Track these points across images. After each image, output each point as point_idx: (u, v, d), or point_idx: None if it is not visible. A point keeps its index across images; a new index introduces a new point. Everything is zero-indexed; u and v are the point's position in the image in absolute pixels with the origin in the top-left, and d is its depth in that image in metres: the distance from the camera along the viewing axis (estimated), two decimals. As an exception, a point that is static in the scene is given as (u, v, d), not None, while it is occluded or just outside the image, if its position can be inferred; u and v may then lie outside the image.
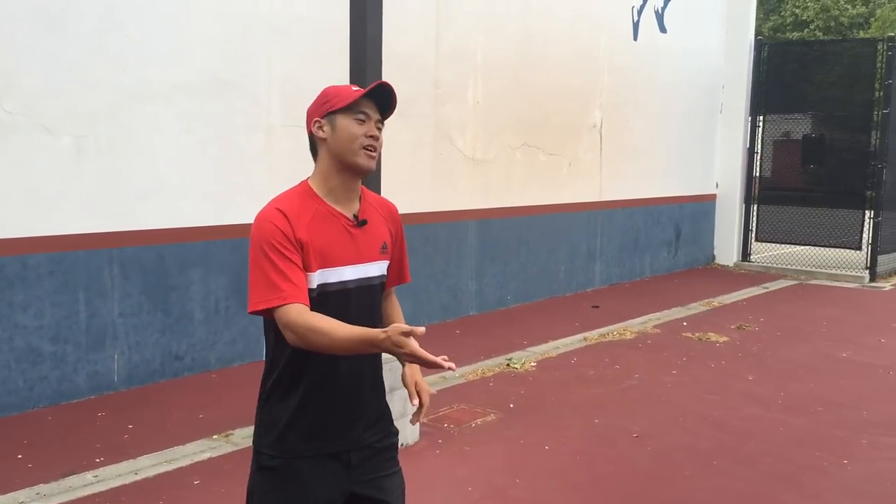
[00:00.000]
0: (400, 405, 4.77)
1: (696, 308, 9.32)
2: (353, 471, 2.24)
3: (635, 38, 10.57)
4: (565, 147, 9.55)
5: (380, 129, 2.21)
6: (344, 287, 2.19)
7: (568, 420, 5.35)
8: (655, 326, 8.25)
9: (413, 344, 1.90)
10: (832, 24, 34.27)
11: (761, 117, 12.58)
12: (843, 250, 12.04)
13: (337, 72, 6.83)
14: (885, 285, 11.40)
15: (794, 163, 12.95)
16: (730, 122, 12.60)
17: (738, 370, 6.66)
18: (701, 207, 12.43)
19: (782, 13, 36.05)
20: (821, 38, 32.88)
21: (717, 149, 12.69)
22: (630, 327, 8.14)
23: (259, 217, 2.14)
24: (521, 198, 8.98)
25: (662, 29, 11.06)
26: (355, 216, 2.24)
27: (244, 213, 6.40)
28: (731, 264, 12.70)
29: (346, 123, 2.16)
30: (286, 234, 2.09)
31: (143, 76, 5.73)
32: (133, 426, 5.11)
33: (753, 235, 12.72)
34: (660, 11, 10.98)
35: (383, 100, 2.20)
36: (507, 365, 6.62)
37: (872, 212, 11.73)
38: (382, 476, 2.30)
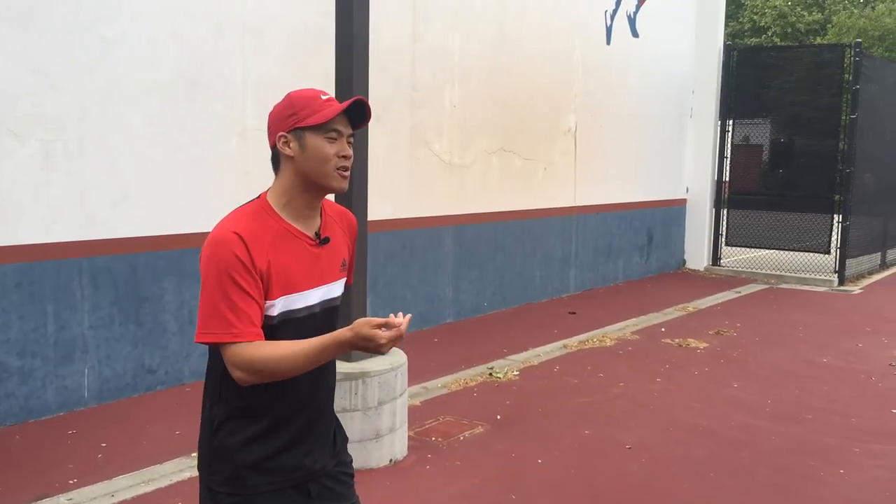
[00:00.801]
0: (389, 419, 4.62)
1: (672, 313, 9.28)
2: (312, 502, 2.09)
3: (608, 43, 10.53)
4: (540, 151, 9.46)
5: (351, 144, 2.04)
6: (311, 312, 2.03)
7: (557, 431, 5.23)
8: (634, 332, 8.19)
9: (383, 335, 1.81)
10: (789, 30, 34.84)
11: (731, 122, 12.63)
12: (811, 254, 12.14)
13: (312, 73, 6.69)
14: (854, 288, 11.50)
15: (754, 167, 13.05)
16: (700, 127, 12.64)
17: (722, 377, 6.61)
18: (672, 212, 12.44)
19: (740, 19, 36.56)
20: (778, 43, 33.40)
21: (687, 153, 12.72)
22: (609, 334, 8.07)
23: (214, 240, 1.94)
24: (497, 203, 8.87)
25: (635, 33, 11.04)
26: (317, 234, 2.07)
27: (219, 219, 6.18)
28: (701, 269, 12.73)
29: (316, 143, 1.98)
30: (244, 263, 1.90)
31: (113, 78, 5.49)
32: (107, 444, 4.88)
33: (723, 240, 12.77)
34: (632, 16, 10.96)
35: (356, 110, 2.02)
36: (490, 374, 6.48)
37: (841, 216, 11.84)
38: (343, 501, 2.17)
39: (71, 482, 4.32)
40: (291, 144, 2.00)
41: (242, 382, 1.91)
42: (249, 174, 6.37)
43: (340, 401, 4.50)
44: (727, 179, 12.83)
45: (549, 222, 9.71)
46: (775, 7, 34.92)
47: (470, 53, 8.32)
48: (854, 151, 11.65)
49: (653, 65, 11.52)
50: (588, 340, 7.76)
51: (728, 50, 12.68)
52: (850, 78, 11.66)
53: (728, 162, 12.74)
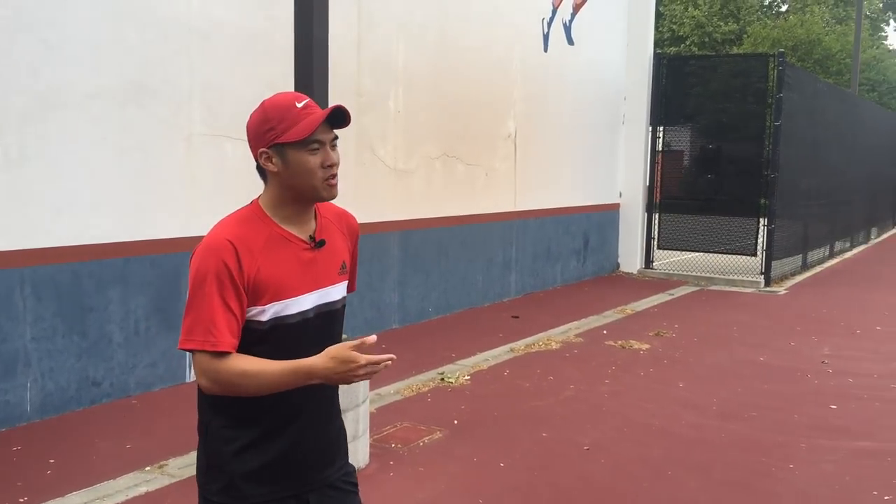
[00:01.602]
0: (352, 426, 4.58)
1: (611, 316, 9.46)
2: None
3: (545, 50, 10.69)
4: (482, 157, 9.53)
5: (335, 146, 2.00)
6: (304, 318, 2.00)
7: (516, 435, 5.28)
8: (577, 335, 8.32)
9: (362, 359, 1.80)
10: (707, 39, 35.94)
11: (661, 128, 12.96)
12: (739, 256, 12.54)
13: (259, 79, 6.61)
14: (780, 289, 11.93)
15: (676, 173, 13.47)
16: (632, 133, 12.93)
17: (667, 377, 6.77)
18: (606, 216, 12.69)
19: (660, 29, 37.53)
20: (696, 52, 34.42)
21: (620, 159, 12.99)
22: (553, 337, 8.17)
23: (206, 246, 1.92)
24: (441, 208, 8.90)
25: (570, 41, 11.24)
26: (312, 237, 2.03)
27: (164, 227, 6.05)
28: (635, 272, 13.01)
29: (299, 158, 1.93)
30: (231, 270, 1.88)
31: (56, 82, 5.31)
32: (55, 460, 4.70)
33: (655, 243, 13.08)
34: (567, 24, 11.15)
35: (335, 114, 1.97)
36: (442, 379, 6.49)
37: (766, 219, 12.27)
38: None
39: (21, 500, 4.16)
40: (274, 160, 1.95)
41: (206, 391, 1.90)
42: (196, 181, 6.24)
43: (303, 410, 4.45)
44: (659, 184, 13.15)
45: (490, 227, 9.79)
46: (693, 17, 35.96)
47: (413, 60, 8.33)
48: (778, 157, 12.09)
49: (587, 72, 11.74)
50: (534, 344, 7.85)
51: (658, 59, 13.02)
52: (774, 86, 12.10)
53: (659, 167, 13.06)
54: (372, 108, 7.88)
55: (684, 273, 12.74)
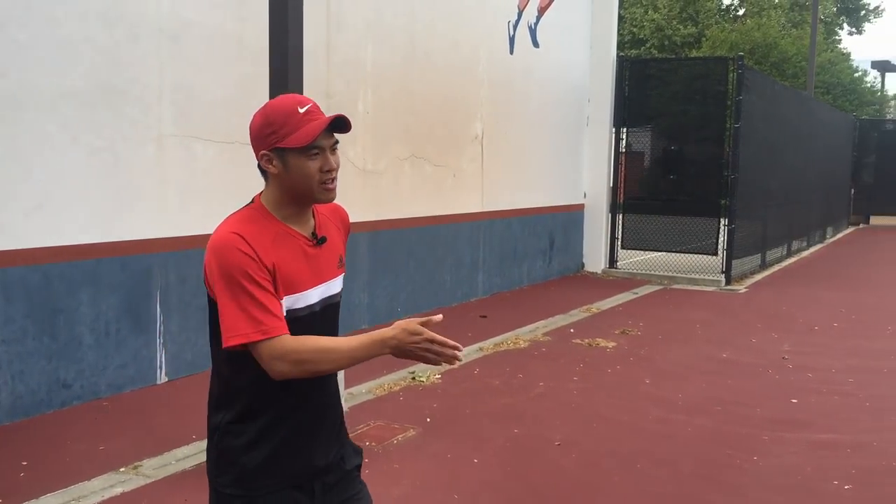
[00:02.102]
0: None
1: (577, 315, 9.61)
2: (316, 501, 2.12)
3: (511, 52, 10.81)
4: (450, 158, 9.61)
5: (335, 150, 2.06)
6: (312, 311, 2.06)
7: (488, 432, 5.36)
8: (545, 334, 8.44)
9: (428, 333, 1.85)
10: (666, 42, 36.46)
11: (625, 130, 13.16)
12: (700, 256, 12.78)
13: (229, 80, 6.62)
14: (740, 288, 12.18)
15: (637, 173, 13.72)
16: (595, 135, 13.11)
17: (634, 374, 6.91)
18: (571, 217, 12.85)
19: (621, 31, 37.94)
20: (656, 55, 34.91)
21: (584, 160, 13.17)
22: (521, 336, 8.28)
23: (218, 244, 1.95)
24: (410, 209, 8.96)
25: (535, 44, 11.38)
26: (314, 234, 2.10)
27: (134, 228, 6.04)
28: (599, 271, 13.19)
29: (299, 163, 1.99)
30: (254, 259, 1.93)
31: (25, 82, 5.28)
32: (27, 462, 4.68)
33: (619, 243, 13.28)
34: (532, 26, 11.28)
35: (336, 121, 2.03)
36: (413, 378, 6.56)
37: (726, 219, 12.52)
38: (346, 497, 2.19)
39: (-4, 504, 4.14)
40: (274, 162, 2.00)
41: (283, 376, 1.92)
42: (166, 182, 6.24)
43: (280, 409, 4.49)
44: (622, 185, 13.35)
45: (458, 228, 9.88)
46: (653, 20, 36.46)
47: (382, 63, 8.38)
48: (738, 158, 12.35)
49: (552, 74, 11.89)
50: (502, 343, 7.95)
51: (621, 61, 13.22)
52: (733, 89, 12.36)
53: (623, 169, 13.26)
54: (341, 110, 7.85)
55: (648, 272, 12.95)
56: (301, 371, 1.92)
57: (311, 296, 2.06)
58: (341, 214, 2.26)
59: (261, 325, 1.90)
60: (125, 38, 5.89)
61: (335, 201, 2.22)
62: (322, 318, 2.10)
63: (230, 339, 1.91)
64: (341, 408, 2.26)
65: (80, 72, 5.61)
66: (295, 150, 1.97)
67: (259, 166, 2.06)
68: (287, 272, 2.00)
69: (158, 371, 6.27)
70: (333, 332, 2.14)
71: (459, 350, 1.88)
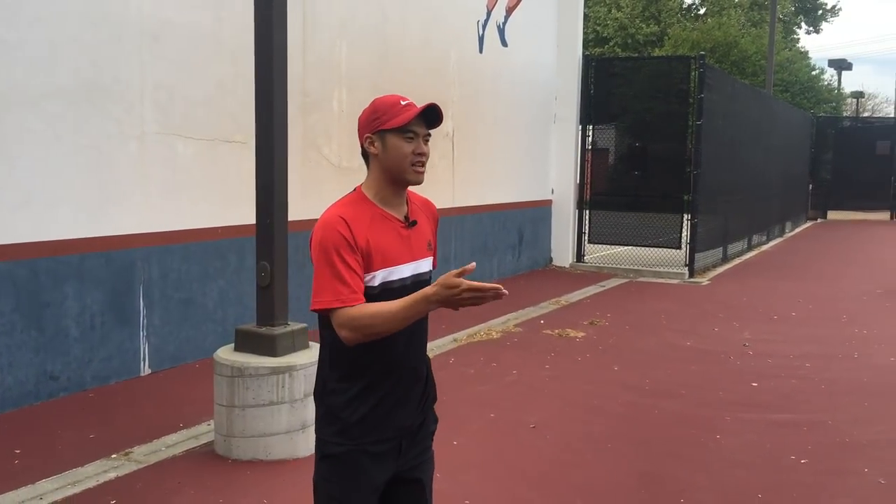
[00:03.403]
0: (314, 410, 4.82)
1: (547, 307, 9.88)
2: (402, 456, 2.41)
3: (481, 51, 11.06)
4: (422, 155, 9.82)
5: (427, 142, 2.37)
6: (403, 284, 2.35)
7: (466, 416, 5.60)
8: (517, 325, 8.69)
9: (466, 283, 2.09)
10: (629, 41, 36.99)
11: (591, 127, 13.48)
12: (664, 250, 13.14)
13: (208, 79, 6.78)
14: (703, 280, 12.56)
15: (602, 170, 14.06)
16: (562, 132, 13.40)
17: (603, 362, 7.20)
18: (539, 212, 13.14)
19: (585, 30, 38.31)
20: (620, 53, 35.42)
21: (552, 157, 13.46)
22: (494, 327, 8.53)
23: (324, 222, 2.28)
24: (383, 205, 9.14)
25: (504, 43, 11.63)
26: (406, 217, 2.40)
27: (118, 224, 6.18)
28: (567, 265, 13.50)
29: (395, 142, 2.31)
30: (348, 240, 2.24)
31: (11, 81, 5.41)
32: (21, 451, 4.83)
33: (586, 238, 13.59)
34: (501, 26, 11.54)
35: (430, 113, 2.34)
36: (391, 368, 6.76)
37: (689, 214, 12.89)
38: (421, 459, 2.49)
39: (-6, 489, 4.28)
40: (375, 144, 2.34)
41: (349, 341, 2.23)
42: (148, 178, 6.38)
43: (268, 394, 4.69)
44: (589, 182, 13.66)
45: (430, 223, 10.09)
46: (617, 19, 36.98)
47: (356, 62, 8.57)
48: (700, 155, 12.72)
49: (520, 73, 12.16)
50: (476, 334, 8.19)
51: (587, 60, 13.53)
52: (695, 87, 12.72)
53: (589, 165, 13.58)
54: (317, 109, 8.10)
55: (614, 266, 13.28)
56: (363, 335, 2.22)
57: (404, 270, 2.36)
58: (431, 208, 2.57)
59: (340, 295, 2.22)
60: (108, 38, 6.02)
61: (427, 197, 2.57)
62: (412, 293, 2.34)
63: (314, 305, 2.26)
64: (431, 375, 2.53)
65: (65, 71, 5.74)
66: (393, 130, 2.30)
67: (362, 152, 2.40)
68: (382, 248, 2.30)
69: (142, 363, 6.42)
70: None
71: (499, 289, 2.11)
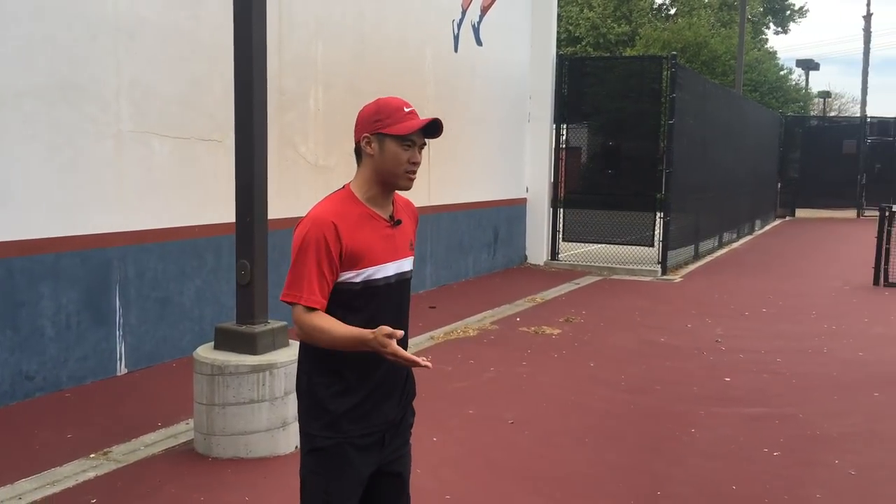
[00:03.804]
0: (294, 408, 4.83)
1: (523, 304, 9.96)
2: (385, 448, 2.47)
3: (456, 50, 11.11)
4: (397, 154, 9.84)
5: (421, 151, 2.42)
6: (387, 281, 2.41)
7: (445, 413, 5.64)
8: (493, 323, 8.76)
9: (394, 346, 2.18)
10: (601, 40, 37.23)
11: (565, 126, 13.58)
12: (638, 247, 13.28)
13: (184, 77, 6.76)
14: (676, 277, 12.71)
15: (575, 168, 14.20)
16: (537, 131, 13.49)
17: (579, 358, 7.28)
18: (514, 211, 13.22)
19: (557, 29, 38.64)
20: (592, 52, 35.65)
21: (526, 155, 13.54)
22: (470, 325, 8.58)
23: (312, 219, 2.33)
24: (360, 203, 9.16)
25: (479, 42, 11.69)
26: (391, 217, 2.45)
27: (94, 223, 6.15)
28: (541, 263, 13.59)
29: (393, 149, 2.36)
30: (330, 244, 2.30)
31: (-14, 79, 5.36)
32: (-2, 451, 4.80)
33: (561, 236, 13.70)
34: (476, 25, 11.59)
35: (431, 125, 2.39)
36: (368, 366, 6.79)
37: (662, 212, 13.03)
38: (401, 452, 2.56)
39: (-28, 490, 4.26)
40: (373, 145, 2.38)
41: (298, 338, 2.34)
42: (124, 177, 6.35)
43: (249, 392, 4.70)
44: (563, 180, 13.76)
45: (406, 221, 10.12)
46: (588, 18, 37.20)
47: (332, 60, 8.58)
48: (672, 154, 12.87)
49: (495, 72, 12.23)
50: (453, 332, 8.24)
51: (560, 60, 13.63)
52: (667, 87, 12.87)
53: (563, 164, 13.68)
54: (294, 106, 8.10)
55: (588, 264, 13.39)
56: (308, 340, 2.33)
57: (388, 269, 2.42)
58: (412, 208, 2.65)
59: (300, 291, 2.30)
60: (84, 36, 5.99)
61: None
62: (398, 290, 2.46)
63: (283, 296, 2.34)
64: (413, 374, 2.58)
65: (41, 69, 5.70)
66: (394, 137, 2.35)
67: (356, 149, 2.43)
68: (367, 247, 2.36)
69: (118, 362, 6.39)
70: (405, 304, 2.53)
71: (419, 363, 2.22)
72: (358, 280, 2.35)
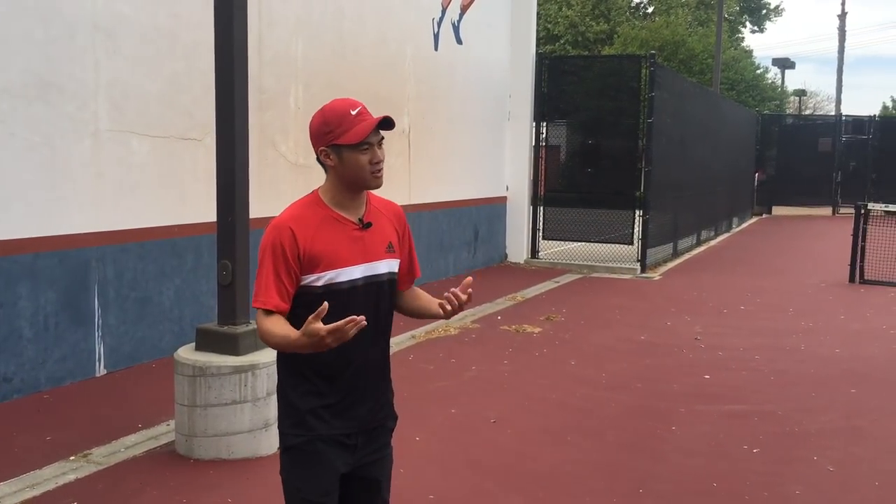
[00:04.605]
0: (272, 411, 4.82)
1: (503, 303, 9.98)
2: (357, 451, 2.47)
3: (436, 49, 11.11)
4: (378, 152, 9.83)
5: (381, 145, 2.40)
6: (353, 285, 2.40)
7: (427, 412, 5.65)
8: (474, 322, 8.77)
9: (321, 328, 2.11)
10: (580, 38, 37.37)
11: (545, 125, 13.61)
12: (617, 245, 13.35)
13: (163, 75, 6.71)
14: (655, 275, 12.79)
15: (553, 166, 14.26)
16: (517, 130, 13.52)
17: (560, 356, 7.31)
18: (494, 209, 13.24)
19: (536, 27, 38.74)
20: (570, 51, 35.78)
21: (506, 154, 13.57)
22: (451, 324, 8.58)
23: (272, 226, 2.35)
24: (340, 202, 9.14)
25: (459, 41, 11.69)
26: (360, 220, 2.44)
27: (72, 223, 6.09)
28: (522, 261, 13.63)
29: (352, 157, 2.35)
30: (287, 250, 2.32)
31: (-38, 77, 5.30)
32: (-25, 455, 4.74)
33: (541, 234, 13.74)
34: (456, 24, 11.60)
35: (382, 122, 2.37)
36: (350, 365, 6.78)
37: (641, 210, 13.11)
38: (379, 456, 2.54)
39: (-51, 494, 4.21)
40: (331, 157, 2.36)
41: (261, 339, 2.36)
42: (102, 176, 6.30)
43: (231, 393, 4.68)
44: (543, 178, 13.80)
45: (387, 220, 10.11)
46: (567, 17, 37.31)
47: (312, 59, 8.55)
48: (651, 152, 12.94)
49: (475, 70, 12.24)
50: (434, 330, 8.24)
51: (540, 58, 13.67)
52: (646, 86, 12.94)
53: (543, 162, 13.72)
54: (273, 105, 8.07)
55: (568, 262, 13.45)
56: (264, 342, 2.35)
57: (354, 272, 2.41)
58: (396, 210, 2.61)
59: (259, 296, 2.35)
60: (61, 35, 5.93)
61: (391, 199, 2.62)
62: (364, 293, 2.42)
63: (252, 302, 2.37)
64: (389, 373, 2.58)
65: (18, 67, 5.64)
66: (348, 146, 2.32)
67: (318, 160, 2.42)
68: (329, 250, 2.36)
69: (97, 363, 6.34)
70: (383, 304, 2.48)
71: (356, 320, 2.13)
72: (319, 283, 2.36)
